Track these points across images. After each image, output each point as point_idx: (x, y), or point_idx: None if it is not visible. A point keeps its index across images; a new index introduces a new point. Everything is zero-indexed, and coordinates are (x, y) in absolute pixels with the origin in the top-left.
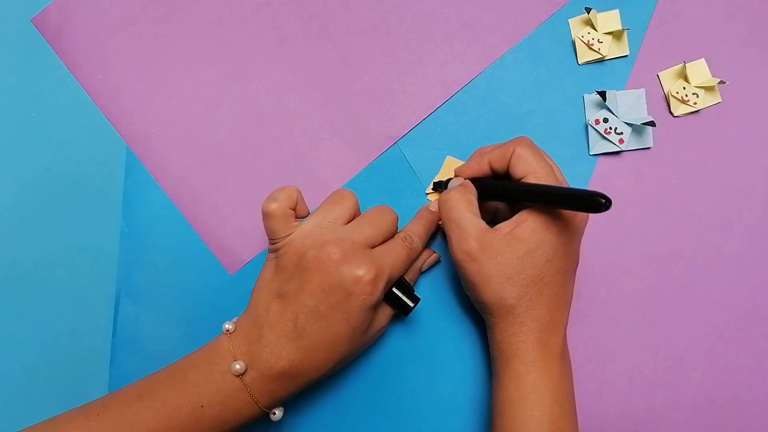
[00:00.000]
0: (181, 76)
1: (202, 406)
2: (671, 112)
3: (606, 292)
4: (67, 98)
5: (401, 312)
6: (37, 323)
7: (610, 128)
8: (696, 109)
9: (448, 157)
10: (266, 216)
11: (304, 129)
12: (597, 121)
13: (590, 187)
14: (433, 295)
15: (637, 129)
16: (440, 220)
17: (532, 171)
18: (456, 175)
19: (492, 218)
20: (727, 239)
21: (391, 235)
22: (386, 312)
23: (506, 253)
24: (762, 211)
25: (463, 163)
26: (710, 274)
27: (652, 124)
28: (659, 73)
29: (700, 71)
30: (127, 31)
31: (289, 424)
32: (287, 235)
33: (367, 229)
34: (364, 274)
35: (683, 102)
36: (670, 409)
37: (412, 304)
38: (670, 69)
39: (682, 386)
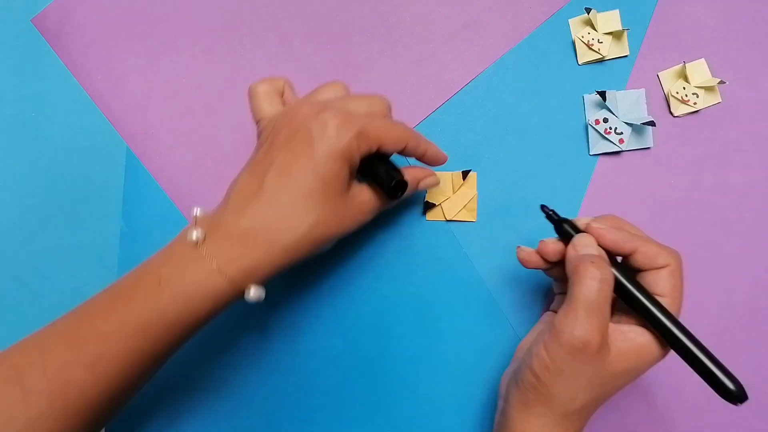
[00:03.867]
0: (181, 76)
1: (160, 283)
2: (671, 112)
3: None
4: (67, 98)
5: (386, 192)
6: (37, 324)
7: (610, 128)
8: (696, 109)
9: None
10: (251, 94)
11: None
12: (597, 121)
13: (590, 188)
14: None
15: (637, 129)
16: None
17: (670, 295)
18: (591, 232)
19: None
20: (727, 239)
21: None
22: (368, 188)
23: (602, 363)
24: (762, 211)
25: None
26: (710, 274)
27: (652, 124)
28: (659, 73)
29: (700, 71)
30: (127, 31)
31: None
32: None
33: (351, 102)
34: (330, 118)
35: (683, 102)
36: (670, 409)
37: (393, 182)
38: (670, 69)
39: (682, 386)
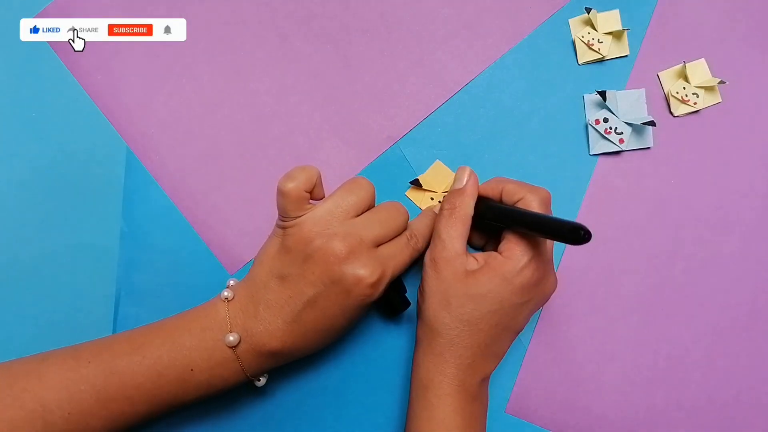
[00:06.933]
0: (181, 76)
1: (192, 370)
2: (671, 112)
3: (606, 292)
4: (67, 98)
5: (388, 312)
6: (37, 323)
7: (610, 128)
8: (696, 109)
9: (437, 162)
10: (280, 194)
11: (304, 129)
12: (597, 121)
13: (590, 188)
14: None
15: (637, 129)
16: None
17: None
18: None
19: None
20: (727, 239)
21: (399, 234)
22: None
23: (460, 282)
24: (762, 211)
25: (449, 170)
26: (710, 274)
27: (652, 123)
28: (659, 73)
29: (700, 71)
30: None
31: (271, 389)
32: (297, 217)
33: (377, 227)
34: (366, 276)
35: (683, 102)
36: (670, 409)
37: (401, 308)
38: (670, 69)
39: (682, 386)
